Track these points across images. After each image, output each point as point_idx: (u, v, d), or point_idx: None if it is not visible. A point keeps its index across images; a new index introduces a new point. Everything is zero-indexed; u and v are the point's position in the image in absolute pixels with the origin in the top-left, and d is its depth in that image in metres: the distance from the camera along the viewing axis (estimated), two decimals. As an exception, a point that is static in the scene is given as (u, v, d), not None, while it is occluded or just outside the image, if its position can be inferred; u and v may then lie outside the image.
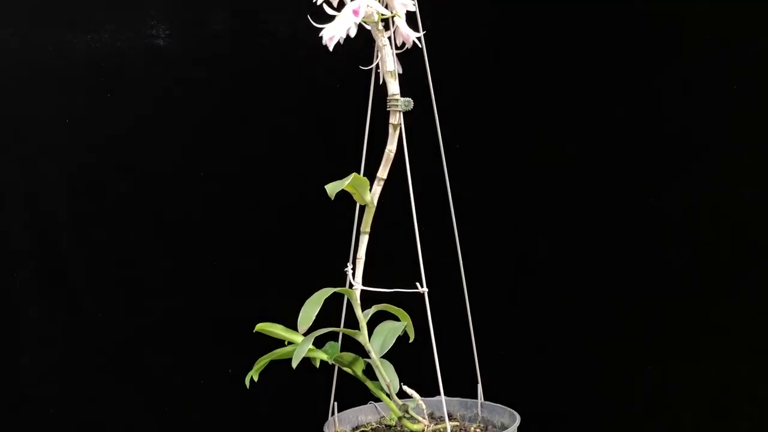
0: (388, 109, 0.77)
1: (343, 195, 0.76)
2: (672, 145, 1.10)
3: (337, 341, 0.82)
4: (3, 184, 1.07)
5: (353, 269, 0.79)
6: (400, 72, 0.79)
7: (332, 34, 0.75)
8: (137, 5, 1.08)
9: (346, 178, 0.72)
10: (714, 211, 1.09)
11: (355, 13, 0.73)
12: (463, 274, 0.85)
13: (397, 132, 0.77)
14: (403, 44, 0.79)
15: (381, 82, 0.82)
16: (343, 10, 0.74)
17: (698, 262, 1.10)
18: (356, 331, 0.77)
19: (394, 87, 0.77)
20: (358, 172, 0.81)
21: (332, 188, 0.70)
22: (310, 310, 0.71)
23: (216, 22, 1.10)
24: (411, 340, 0.80)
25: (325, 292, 0.73)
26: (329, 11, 0.76)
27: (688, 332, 1.11)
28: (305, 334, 0.73)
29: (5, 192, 1.07)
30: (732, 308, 1.10)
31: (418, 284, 0.73)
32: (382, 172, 0.78)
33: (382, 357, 0.77)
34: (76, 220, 1.09)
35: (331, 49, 0.75)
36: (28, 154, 1.08)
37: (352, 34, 0.77)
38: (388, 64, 0.76)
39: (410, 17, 0.78)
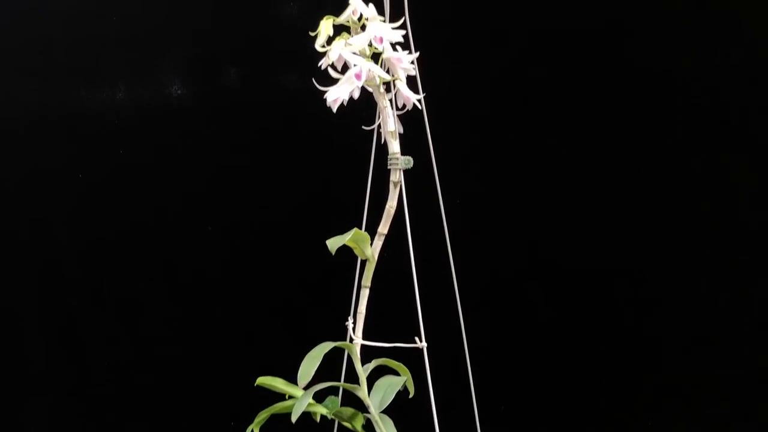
0: (389, 167, 0.79)
1: (345, 250, 0.78)
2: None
3: (338, 395, 0.82)
4: (11, 228, 1.10)
5: (354, 324, 0.80)
6: (401, 131, 0.81)
7: (336, 96, 0.78)
8: (150, 61, 1.13)
9: (347, 234, 0.74)
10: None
11: (358, 77, 0.76)
12: (463, 329, 0.86)
13: (398, 189, 0.79)
14: (404, 105, 0.82)
15: (383, 141, 0.85)
16: (346, 74, 0.77)
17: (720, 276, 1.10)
18: (356, 385, 0.77)
19: (394, 146, 0.79)
20: (360, 228, 0.83)
21: (333, 243, 0.72)
22: (310, 365, 0.72)
23: (227, 78, 1.14)
24: (411, 395, 0.81)
25: (325, 347, 0.74)
26: (333, 74, 0.79)
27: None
28: (305, 389, 0.74)
29: (15, 230, 1.10)
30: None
31: (417, 339, 0.74)
32: (383, 228, 0.80)
33: (381, 412, 0.77)
34: (86, 271, 1.11)
35: (334, 110, 0.78)
36: (40, 206, 1.11)
37: (356, 96, 0.81)
38: (389, 124, 0.79)
39: (411, 80, 0.82)
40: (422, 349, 0.74)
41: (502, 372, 1.12)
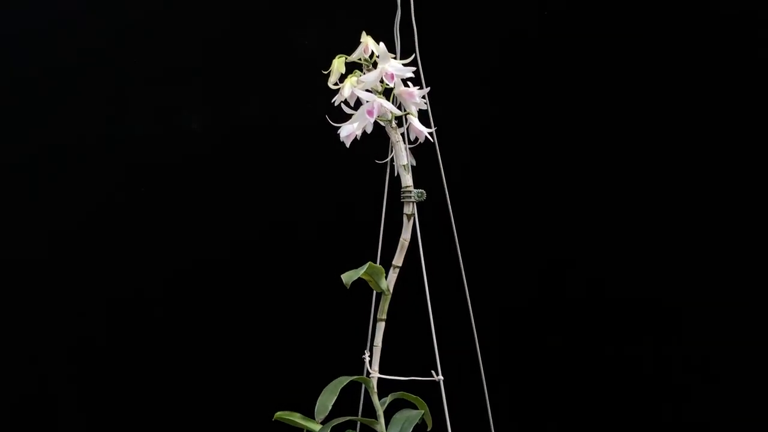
0: (402, 200, 0.80)
1: (360, 283, 0.79)
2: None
3: (356, 430, 0.82)
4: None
5: (370, 357, 0.80)
6: (414, 164, 0.83)
7: (349, 132, 0.79)
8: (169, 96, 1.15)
9: (361, 267, 0.74)
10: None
11: (370, 113, 0.78)
12: (480, 361, 0.85)
13: (411, 221, 0.80)
14: (416, 139, 0.84)
15: (396, 174, 0.86)
16: (359, 111, 0.79)
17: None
18: (373, 420, 0.77)
19: (407, 180, 0.80)
20: (375, 261, 0.84)
21: (348, 277, 0.73)
22: (327, 399, 0.72)
23: (245, 110, 1.16)
24: (429, 429, 0.80)
25: (342, 381, 0.74)
26: (347, 110, 0.81)
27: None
28: (323, 423, 0.74)
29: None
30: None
31: (433, 372, 0.74)
32: (398, 260, 0.80)
33: (399, 446, 0.77)
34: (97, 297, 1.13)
35: (348, 145, 0.80)
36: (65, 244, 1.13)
37: (369, 130, 0.82)
38: (401, 158, 0.80)
39: (422, 114, 0.83)
40: (439, 382, 0.74)
41: (521, 403, 1.11)
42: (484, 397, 0.86)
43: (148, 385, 1.13)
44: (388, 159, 0.86)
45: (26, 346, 1.12)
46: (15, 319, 1.12)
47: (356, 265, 0.76)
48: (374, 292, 0.84)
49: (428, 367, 0.77)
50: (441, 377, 0.74)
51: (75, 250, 1.13)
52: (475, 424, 0.86)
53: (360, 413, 0.84)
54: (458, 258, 0.86)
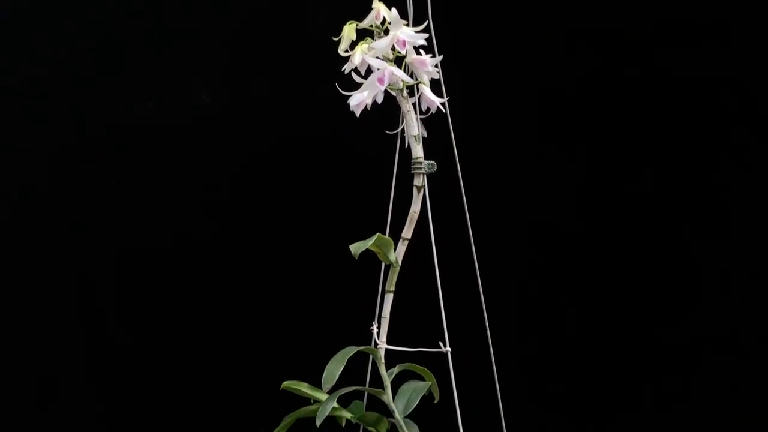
0: (412, 171, 0.79)
1: (369, 255, 0.78)
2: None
3: (363, 400, 0.82)
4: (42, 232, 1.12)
5: (378, 328, 0.80)
6: (425, 136, 0.81)
7: (359, 101, 0.78)
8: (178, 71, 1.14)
9: (370, 238, 0.74)
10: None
11: (380, 81, 0.76)
12: (488, 333, 0.85)
13: (421, 193, 0.79)
14: (428, 109, 0.82)
15: (406, 145, 0.85)
16: (369, 79, 0.77)
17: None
18: (380, 390, 0.77)
19: (418, 150, 0.79)
20: (384, 233, 0.83)
21: (356, 248, 0.72)
22: (334, 368, 0.72)
23: (255, 87, 1.15)
24: (436, 401, 0.80)
25: (349, 351, 0.74)
26: (357, 79, 0.80)
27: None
28: (329, 393, 0.74)
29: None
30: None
31: (441, 344, 0.74)
32: (407, 232, 0.79)
33: (406, 417, 0.77)
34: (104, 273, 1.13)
35: (357, 114, 0.78)
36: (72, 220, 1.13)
37: (379, 100, 0.81)
38: (412, 128, 0.79)
39: (434, 83, 0.81)
40: (446, 354, 0.73)
41: (529, 375, 1.11)
42: (492, 369, 0.86)
43: (155, 357, 1.13)
44: (399, 130, 0.84)
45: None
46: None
47: (365, 237, 0.75)
48: (383, 264, 0.83)
49: (436, 339, 0.77)
50: (448, 349, 0.74)
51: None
52: (483, 397, 0.86)
53: (367, 384, 0.84)
54: (468, 231, 0.85)
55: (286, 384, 0.79)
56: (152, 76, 1.12)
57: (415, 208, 0.79)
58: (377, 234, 0.75)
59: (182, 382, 1.13)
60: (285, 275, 1.14)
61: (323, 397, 0.78)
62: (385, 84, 0.76)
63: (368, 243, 0.73)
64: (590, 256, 1.12)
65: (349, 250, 0.73)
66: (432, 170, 0.79)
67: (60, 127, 1.12)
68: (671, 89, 1.10)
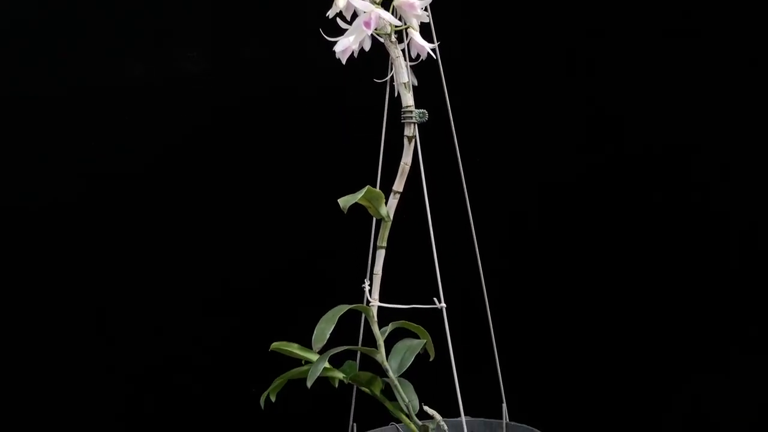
0: (402, 121, 0.75)
1: (359, 209, 0.75)
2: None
3: (356, 360, 0.80)
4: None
5: (370, 285, 0.77)
6: (415, 84, 0.77)
7: (345, 47, 0.74)
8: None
9: (359, 192, 0.70)
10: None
11: (367, 25, 0.72)
12: (484, 288, 0.82)
13: (412, 144, 0.75)
14: (418, 55, 0.78)
15: (396, 94, 0.81)
16: (355, 23, 0.73)
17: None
18: (373, 349, 0.74)
19: (408, 99, 0.75)
20: (374, 186, 0.80)
21: (345, 201, 0.69)
22: (325, 327, 0.69)
23: (243, 47, 1.10)
24: (431, 359, 0.78)
25: (340, 309, 0.71)
26: (343, 25, 0.75)
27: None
28: (320, 353, 0.71)
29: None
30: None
31: (435, 299, 0.71)
32: (398, 185, 0.76)
33: (400, 376, 0.74)
34: (88, 254, 1.10)
35: (344, 62, 0.75)
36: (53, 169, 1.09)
37: (366, 47, 0.77)
38: (401, 75, 0.75)
39: (424, 28, 0.77)
40: (441, 310, 0.71)
41: (525, 332, 1.09)
42: (489, 324, 0.83)
43: (140, 313, 1.11)
44: (388, 78, 0.80)
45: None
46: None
47: (354, 191, 0.72)
48: (374, 218, 0.80)
49: (430, 295, 0.74)
50: (443, 305, 0.71)
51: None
52: (480, 354, 0.84)
53: (360, 343, 0.81)
54: (462, 182, 0.82)
55: (275, 345, 0.76)
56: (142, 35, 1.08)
57: (406, 160, 0.75)
58: (367, 187, 0.71)
59: (165, 346, 1.11)
60: (272, 232, 1.10)
61: (314, 357, 0.75)
62: (372, 28, 0.72)
63: (357, 196, 0.70)
64: (587, 206, 1.09)
65: (338, 204, 0.70)
66: (423, 119, 0.75)
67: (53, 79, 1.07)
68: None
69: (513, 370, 0.86)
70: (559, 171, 1.09)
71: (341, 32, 0.74)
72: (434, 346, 0.76)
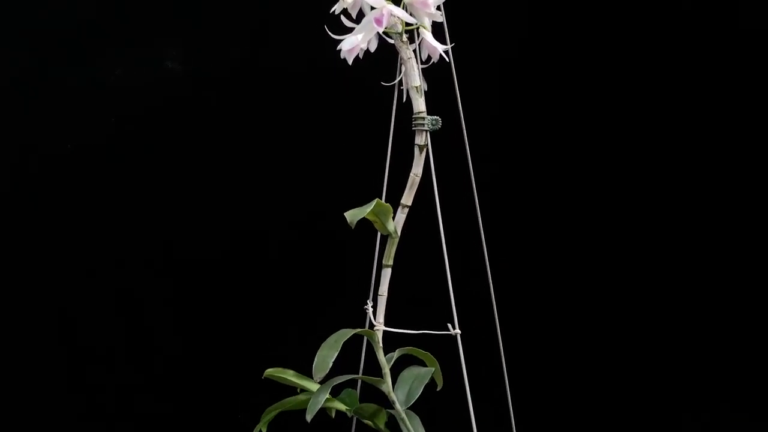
0: (413, 128, 0.69)
1: (363, 224, 0.68)
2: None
3: (356, 388, 0.73)
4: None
5: (374, 307, 0.70)
6: (426, 89, 0.72)
7: (352, 45, 0.68)
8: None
9: (367, 205, 0.64)
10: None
11: (378, 22, 0.66)
12: (495, 313, 0.76)
13: (424, 154, 0.69)
14: (429, 58, 0.72)
15: (404, 99, 0.75)
16: (365, 19, 0.67)
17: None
18: (379, 379, 0.67)
19: (420, 104, 0.69)
20: (382, 198, 0.73)
21: (352, 216, 0.62)
22: (328, 354, 0.62)
23: (232, 45, 1.03)
24: (439, 388, 0.72)
25: (344, 334, 0.64)
26: (347, 23, 0.69)
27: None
28: (321, 383, 0.64)
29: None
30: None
31: (449, 325, 0.65)
32: (407, 199, 0.70)
33: (407, 408, 0.67)
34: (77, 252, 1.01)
35: (350, 62, 0.69)
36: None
37: (372, 47, 0.71)
38: (413, 78, 0.69)
39: (437, 28, 0.71)
40: (456, 337, 0.64)
41: (538, 359, 1.01)
42: (500, 353, 0.76)
43: (130, 335, 1.02)
44: (396, 81, 0.74)
45: None
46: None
47: (358, 204, 0.66)
48: (378, 234, 0.74)
49: (435, 320, 0.68)
50: (458, 331, 0.64)
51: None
52: (489, 383, 0.77)
53: (361, 371, 0.74)
54: (474, 196, 0.75)
55: (269, 372, 0.69)
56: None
57: (417, 171, 0.69)
58: (376, 200, 0.65)
59: (153, 366, 1.02)
60: (269, 248, 1.02)
61: (312, 386, 0.68)
62: (384, 25, 0.66)
63: (366, 210, 0.63)
64: (611, 225, 1.02)
65: (344, 219, 0.63)
66: (436, 127, 0.69)
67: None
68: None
69: (523, 398, 0.80)
70: (579, 180, 1.02)
71: (346, 31, 0.68)
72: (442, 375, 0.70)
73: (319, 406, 0.63)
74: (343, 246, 0.79)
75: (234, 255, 1.02)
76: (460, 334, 0.64)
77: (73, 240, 1.01)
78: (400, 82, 0.75)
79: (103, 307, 1.01)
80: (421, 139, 0.69)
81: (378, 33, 0.67)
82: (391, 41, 0.71)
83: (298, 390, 0.71)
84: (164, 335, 1.02)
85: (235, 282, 1.02)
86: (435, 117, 0.69)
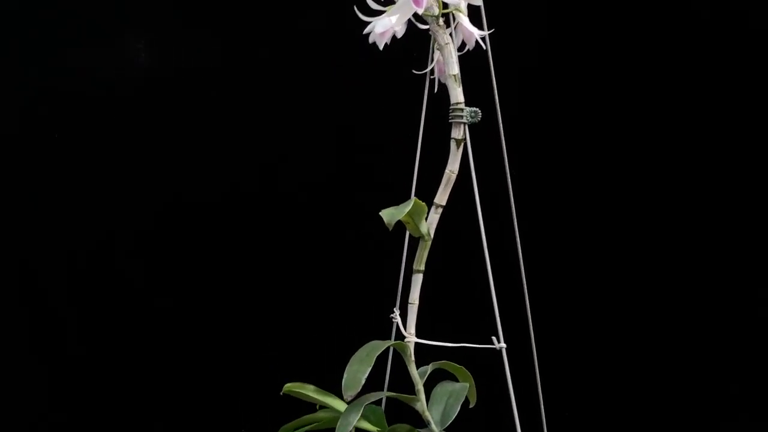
0: (450, 120, 0.63)
1: (382, 225, 0.62)
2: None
3: (380, 404, 0.67)
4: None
5: (402, 316, 0.64)
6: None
7: (385, 28, 0.61)
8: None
9: (406, 204, 0.58)
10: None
11: (417, 2, 0.60)
12: (530, 324, 0.70)
13: (461, 149, 0.63)
14: (463, 45, 0.66)
15: (435, 89, 0.69)
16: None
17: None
18: (412, 396, 0.61)
19: (458, 95, 0.63)
20: (410, 196, 0.67)
21: (390, 216, 0.56)
22: (359, 370, 0.56)
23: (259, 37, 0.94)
24: (471, 405, 0.66)
25: (376, 347, 0.58)
26: (373, 5, 0.63)
27: None
28: (350, 402, 0.58)
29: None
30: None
31: (494, 338, 0.59)
32: (441, 198, 0.64)
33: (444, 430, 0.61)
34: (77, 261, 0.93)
35: (381, 47, 0.63)
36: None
37: (399, 34, 0.65)
38: (451, 66, 0.63)
39: (474, 12, 0.65)
40: (501, 351, 0.58)
41: (574, 373, 0.93)
42: (534, 366, 0.70)
43: (146, 353, 0.93)
44: (428, 69, 0.68)
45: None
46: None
47: (383, 202, 0.59)
48: (407, 236, 0.67)
49: (473, 331, 0.62)
50: (503, 345, 0.58)
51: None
52: (523, 398, 0.71)
53: (386, 386, 0.68)
54: (509, 194, 0.69)
55: (288, 387, 0.63)
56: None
57: (453, 168, 0.63)
58: (413, 199, 0.58)
59: (161, 375, 0.93)
60: (286, 251, 0.93)
61: (336, 403, 0.62)
62: (424, 5, 0.59)
63: (404, 210, 0.57)
64: (649, 233, 0.93)
65: (368, 218, 0.57)
66: (475, 119, 0.63)
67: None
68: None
69: (557, 414, 0.74)
70: (618, 181, 0.93)
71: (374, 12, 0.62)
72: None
73: (351, 427, 0.56)
74: (364, 247, 0.72)
75: (243, 259, 0.94)
76: (506, 348, 0.58)
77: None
78: (432, 70, 0.69)
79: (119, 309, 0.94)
80: (459, 132, 0.63)
81: (419, 13, 0.60)
82: (422, 26, 0.66)
83: (317, 406, 0.65)
84: (169, 342, 0.94)
85: (245, 287, 0.93)
86: (474, 109, 0.63)
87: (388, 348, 0.65)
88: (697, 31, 0.93)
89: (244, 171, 0.94)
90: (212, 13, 0.94)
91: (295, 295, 0.92)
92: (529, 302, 0.69)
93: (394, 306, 0.66)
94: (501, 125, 0.69)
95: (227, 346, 0.93)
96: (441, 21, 0.64)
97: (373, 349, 0.58)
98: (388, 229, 0.55)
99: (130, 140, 0.93)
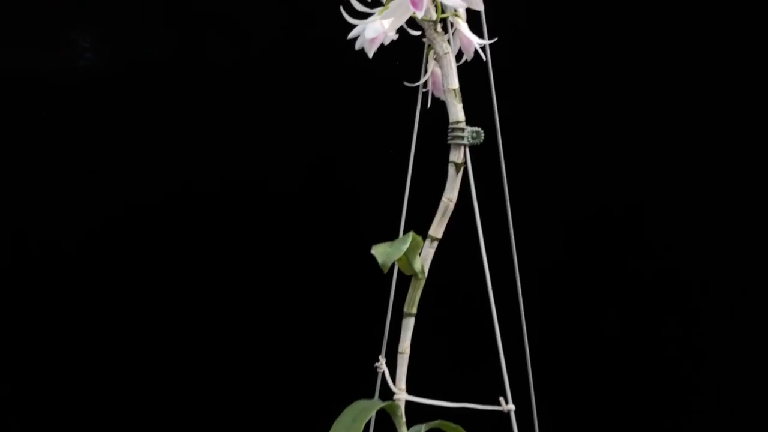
0: (449, 141, 0.55)
1: (373, 261, 0.53)
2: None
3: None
4: None
5: (387, 366, 0.55)
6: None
7: (377, 33, 0.53)
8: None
9: (402, 240, 0.49)
10: None
11: (416, 4, 0.51)
12: (531, 382, 0.61)
13: (460, 174, 0.55)
14: (460, 54, 0.59)
15: (428, 105, 0.61)
16: (396, 1, 0.52)
17: None
18: (402, 462, 0.53)
19: (457, 112, 0.55)
20: (397, 230, 0.59)
21: (385, 256, 0.47)
22: (346, 439, 0.47)
23: (260, 40, 0.84)
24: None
25: (364, 410, 0.49)
26: (359, 7, 0.55)
27: None
28: (333, 474, 0.48)
29: None
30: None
31: (501, 399, 0.50)
32: (437, 230, 0.56)
33: (441, 503, 0.53)
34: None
35: (371, 54, 0.55)
36: None
37: (387, 41, 0.56)
38: (451, 79, 0.55)
39: (473, 19, 0.58)
40: (509, 414, 0.50)
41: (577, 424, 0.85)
42: (533, 419, 0.62)
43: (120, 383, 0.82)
44: (421, 81, 0.60)
45: None
46: None
47: (370, 237, 0.51)
48: (395, 272, 0.59)
49: (467, 386, 0.53)
50: (511, 407, 0.50)
51: None
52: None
53: (368, 444, 0.59)
54: (509, 224, 0.61)
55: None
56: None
57: (451, 195, 0.55)
58: (411, 233, 0.50)
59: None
60: (259, 291, 0.81)
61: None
62: (423, 8, 0.51)
63: (402, 247, 0.48)
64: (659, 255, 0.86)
65: (364, 258, 0.48)
66: (477, 140, 0.55)
67: None
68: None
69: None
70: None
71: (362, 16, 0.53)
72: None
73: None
74: (344, 284, 0.62)
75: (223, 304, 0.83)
76: (515, 411, 0.50)
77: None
78: (426, 83, 0.61)
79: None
80: (459, 155, 0.55)
81: (415, 18, 0.52)
82: (414, 33, 0.58)
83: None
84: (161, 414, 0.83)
85: (215, 328, 0.82)
86: (476, 128, 0.55)
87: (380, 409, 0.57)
88: (697, 32, 0.87)
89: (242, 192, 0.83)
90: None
91: (273, 343, 0.81)
92: (530, 357, 0.60)
93: (380, 354, 0.58)
94: (501, 147, 0.61)
95: (200, 405, 0.82)
96: (439, 27, 0.56)
97: (361, 412, 0.49)
98: (382, 270, 0.47)
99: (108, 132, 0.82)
